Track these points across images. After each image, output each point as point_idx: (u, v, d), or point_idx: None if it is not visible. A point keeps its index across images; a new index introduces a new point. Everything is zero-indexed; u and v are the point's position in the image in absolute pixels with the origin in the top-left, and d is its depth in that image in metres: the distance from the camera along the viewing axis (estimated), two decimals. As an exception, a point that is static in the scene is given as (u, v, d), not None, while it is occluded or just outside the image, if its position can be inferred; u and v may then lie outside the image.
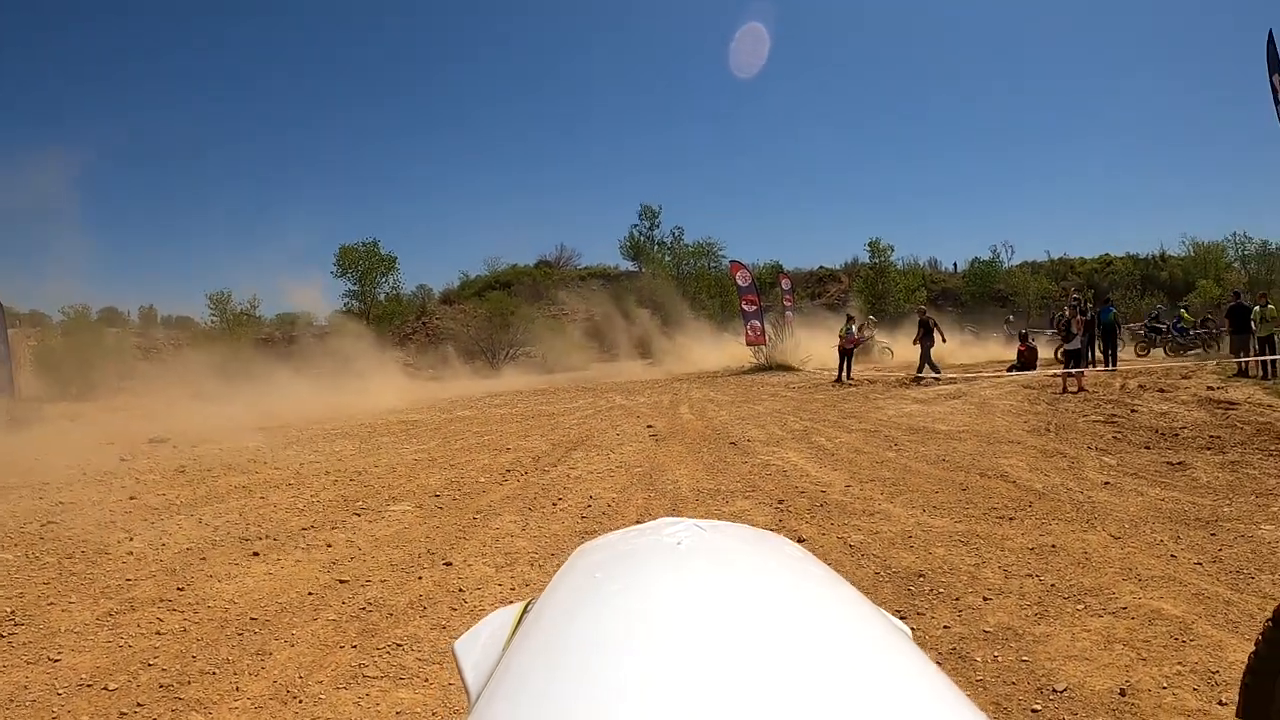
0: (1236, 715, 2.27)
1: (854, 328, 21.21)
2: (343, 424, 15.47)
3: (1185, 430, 9.52)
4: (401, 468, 9.42)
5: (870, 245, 49.38)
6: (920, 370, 18.85)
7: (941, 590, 4.53)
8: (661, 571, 0.85)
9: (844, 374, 20.25)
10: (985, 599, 4.34)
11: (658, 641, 0.64)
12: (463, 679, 0.85)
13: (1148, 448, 8.70)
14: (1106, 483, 6.94)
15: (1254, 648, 2.25)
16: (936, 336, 19.06)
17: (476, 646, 0.90)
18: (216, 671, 3.76)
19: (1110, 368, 19.10)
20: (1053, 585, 4.47)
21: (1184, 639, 3.64)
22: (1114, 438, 9.33)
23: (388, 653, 3.93)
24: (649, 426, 12.18)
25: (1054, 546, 5.17)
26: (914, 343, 19.64)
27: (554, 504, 6.87)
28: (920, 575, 4.80)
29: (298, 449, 11.62)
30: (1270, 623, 2.21)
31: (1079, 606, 4.12)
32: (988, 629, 3.94)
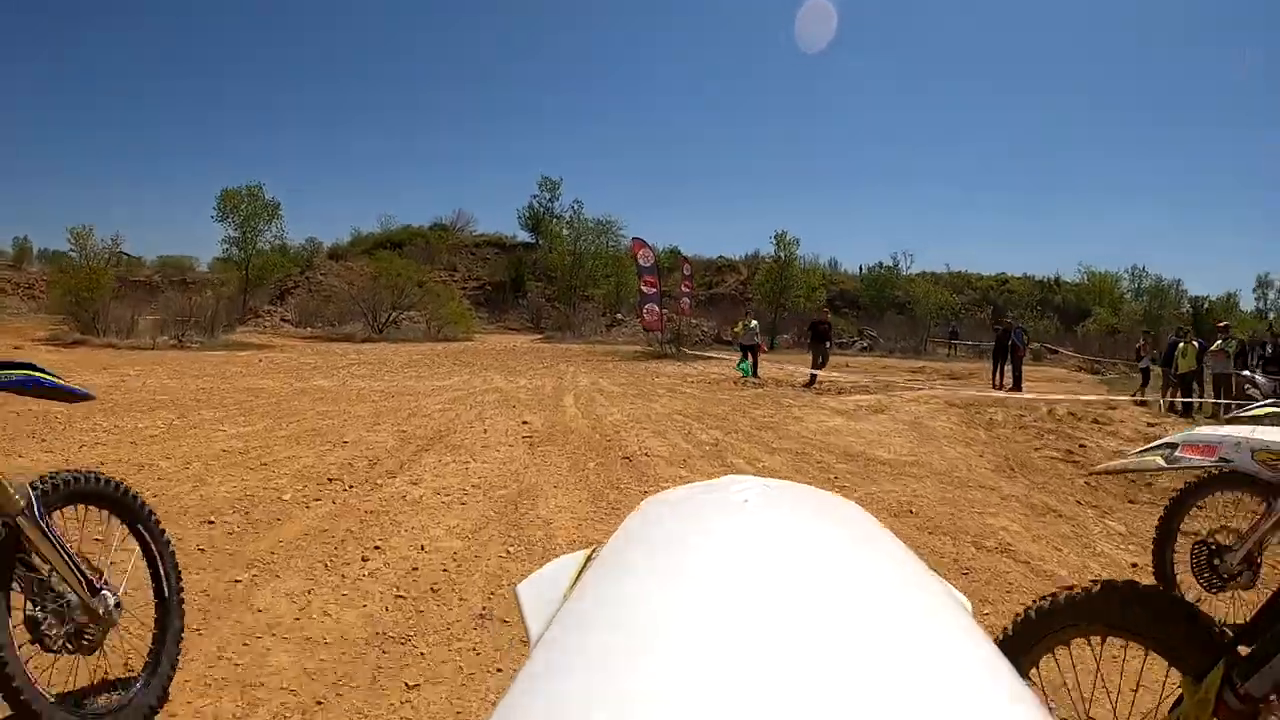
0: None
1: (752, 323, 20.08)
2: (185, 390, 12.62)
3: (1159, 479, 7.95)
4: (198, 463, 6.87)
5: (776, 238, 48.07)
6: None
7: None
8: (727, 526, 0.78)
9: (751, 370, 19.27)
10: None
11: (720, 597, 0.58)
12: (524, 621, 0.78)
13: (1132, 502, 7.08)
14: (1134, 565, 5.10)
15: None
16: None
17: (538, 591, 0.81)
18: None
19: (1015, 389, 18.47)
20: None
21: None
22: (1088, 485, 7.65)
23: None
24: (524, 423, 9.85)
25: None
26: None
27: (364, 560, 4.43)
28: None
29: (103, 418, 8.91)
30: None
31: None
32: None
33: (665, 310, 29.39)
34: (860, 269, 57.85)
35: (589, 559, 0.85)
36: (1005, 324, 21.39)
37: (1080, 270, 55.42)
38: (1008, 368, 19.98)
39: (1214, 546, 3.67)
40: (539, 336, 42.48)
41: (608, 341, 37.43)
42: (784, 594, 0.58)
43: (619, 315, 46.86)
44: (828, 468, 7.68)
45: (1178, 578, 4.02)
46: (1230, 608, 3.76)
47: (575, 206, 54.41)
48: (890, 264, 55.72)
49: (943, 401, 14.19)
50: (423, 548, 4.64)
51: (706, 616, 0.54)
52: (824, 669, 0.46)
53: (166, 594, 2.87)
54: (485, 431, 9.13)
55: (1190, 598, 3.69)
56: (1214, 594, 3.66)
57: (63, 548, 2.40)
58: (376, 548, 4.59)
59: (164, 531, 2.90)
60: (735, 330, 20.84)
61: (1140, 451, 3.63)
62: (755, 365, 19.42)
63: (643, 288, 29.17)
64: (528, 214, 59.04)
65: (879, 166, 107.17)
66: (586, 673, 0.50)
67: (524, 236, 59.82)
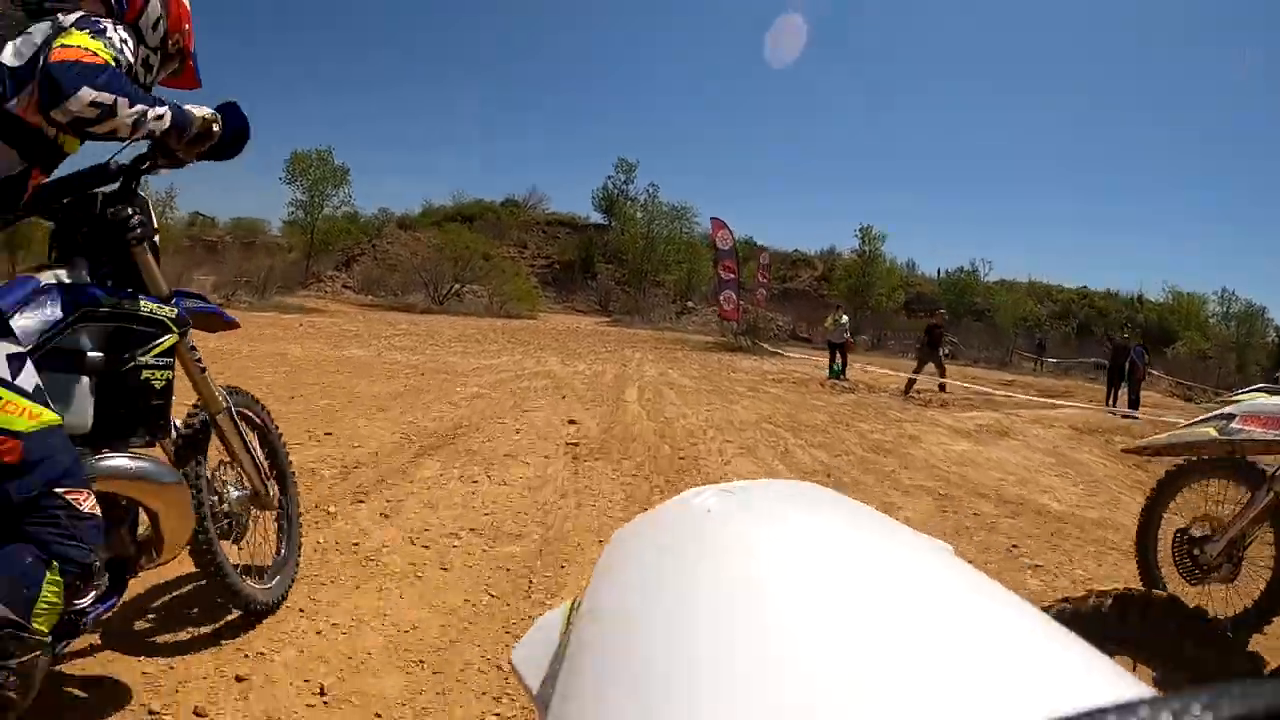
0: None
1: (843, 319, 18.37)
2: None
3: None
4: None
5: (862, 231, 45.30)
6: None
7: None
8: (700, 542, 0.71)
9: (839, 371, 17.60)
10: None
11: (703, 617, 0.55)
12: (525, 687, 0.76)
13: None
14: None
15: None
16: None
17: (532, 654, 0.79)
18: None
19: (1132, 411, 16.56)
20: None
21: None
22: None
23: None
24: (571, 422, 7.80)
25: None
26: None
27: (198, 717, 2.24)
28: None
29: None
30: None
31: None
32: None
33: (741, 300, 27.20)
34: (939, 272, 54.60)
35: (573, 609, 0.81)
36: (1123, 341, 19.36)
37: (1165, 289, 51.46)
38: (1122, 391, 18.68)
39: (1195, 536, 3.42)
40: (606, 319, 40.67)
41: (677, 329, 35.46)
42: (773, 597, 0.54)
43: (690, 303, 44.81)
44: (992, 525, 5.37)
45: (1161, 570, 3.76)
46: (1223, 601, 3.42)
47: (650, 189, 52.32)
48: (970, 269, 52.44)
49: (1066, 425, 11.81)
50: (321, 692, 2.44)
51: (692, 642, 0.51)
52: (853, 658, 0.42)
53: (288, 489, 3.16)
54: (518, 431, 7.08)
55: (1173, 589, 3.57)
56: (1193, 586, 3.42)
57: (248, 444, 2.70)
58: (239, 678, 2.42)
59: (281, 435, 3.24)
60: (825, 325, 19.04)
61: (1191, 424, 3.45)
62: (845, 365, 17.74)
63: (720, 273, 26.93)
64: (602, 195, 57.14)
65: (954, 169, 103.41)
66: None
67: (597, 218, 57.96)
